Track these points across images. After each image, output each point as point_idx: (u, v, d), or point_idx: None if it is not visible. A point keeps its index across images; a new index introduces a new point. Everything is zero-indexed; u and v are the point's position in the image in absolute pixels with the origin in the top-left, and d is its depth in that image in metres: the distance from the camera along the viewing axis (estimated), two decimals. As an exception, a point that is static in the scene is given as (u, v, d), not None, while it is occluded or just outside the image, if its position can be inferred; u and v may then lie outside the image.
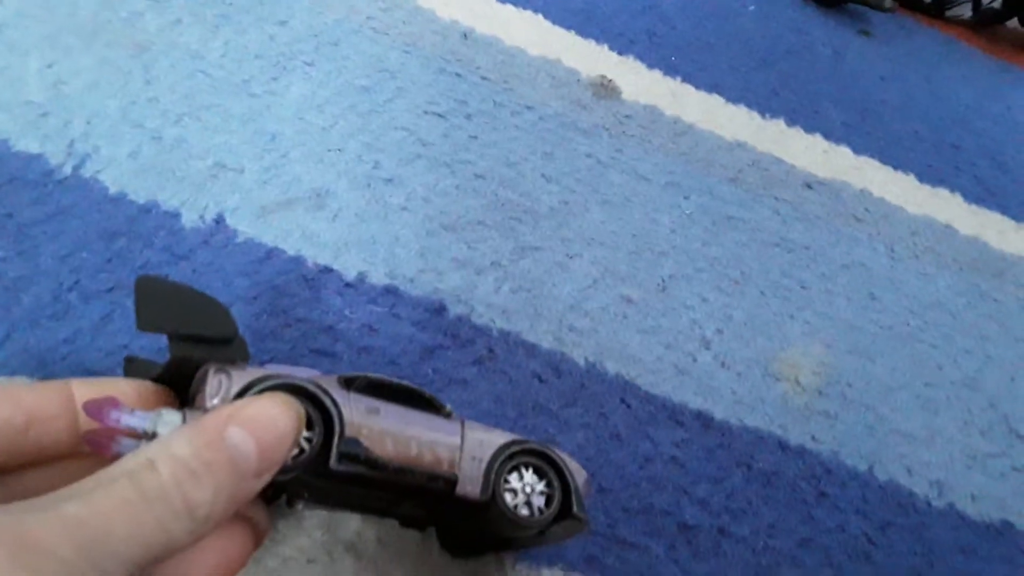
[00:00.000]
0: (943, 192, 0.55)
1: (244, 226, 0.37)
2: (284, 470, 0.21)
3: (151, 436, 0.20)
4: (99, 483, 0.18)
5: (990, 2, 0.70)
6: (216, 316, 0.23)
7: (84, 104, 0.38)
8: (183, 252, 0.36)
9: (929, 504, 0.38)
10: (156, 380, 0.24)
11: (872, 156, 0.55)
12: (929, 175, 0.55)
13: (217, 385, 0.22)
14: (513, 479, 0.25)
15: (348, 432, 0.23)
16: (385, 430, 0.24)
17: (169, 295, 0.23)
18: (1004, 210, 0.55)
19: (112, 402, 0.21)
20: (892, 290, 0.47)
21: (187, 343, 0.23)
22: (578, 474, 0.26)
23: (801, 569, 0.34)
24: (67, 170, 0.36)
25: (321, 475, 0.23)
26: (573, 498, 0.25)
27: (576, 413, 0.36)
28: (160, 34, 0.43)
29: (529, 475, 0.25)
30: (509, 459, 0.25)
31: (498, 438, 0.26)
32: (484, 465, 0.25)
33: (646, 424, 0.36)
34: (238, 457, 0.20)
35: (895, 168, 0.55)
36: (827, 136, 0.55)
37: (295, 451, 0.22)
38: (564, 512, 0.25)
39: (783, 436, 0.38)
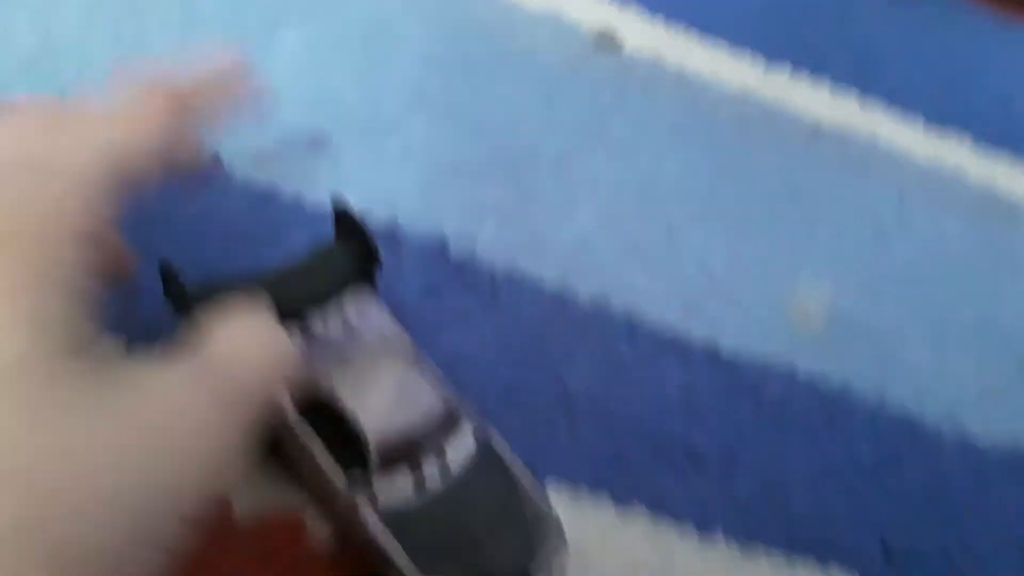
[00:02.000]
0: (951, 137, 0.54)
1: (240, 170, 0.37)
2: None
3: None
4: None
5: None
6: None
7: (74, 52, 0.39)
8: (184, 195, 0.36)
9: (939, 432, 0.37)
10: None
11: (880, 101, 0.54)
12: (937, 119, 0.54)
13: None
14: None
15: None
16: None
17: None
18: (1015, 154, 0.54)
19: None
20: (901, 233, 0.46)
21: None
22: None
23: (813, 495, 0.33)
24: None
25: None
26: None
27: (581, 346, 0.36)
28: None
29: None
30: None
31: None
32: None
33: (653, 357, 0.36)
34: None
35: (903, 113, 0.54)
36: (834, 81, 0.54)
37: None
38: None
39: (791, 368, 0.37)
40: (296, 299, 0.25)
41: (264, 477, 0.29)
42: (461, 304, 0.36)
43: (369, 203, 0.37)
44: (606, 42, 0.51)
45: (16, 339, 0.16)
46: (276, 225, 0.35)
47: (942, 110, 0.55)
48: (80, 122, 0.20)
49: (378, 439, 0.26)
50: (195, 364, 0.19)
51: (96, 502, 0.15)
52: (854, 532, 0.33)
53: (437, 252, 0.37)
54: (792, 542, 0.33)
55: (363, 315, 0.30)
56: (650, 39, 0.52)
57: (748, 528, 0.32)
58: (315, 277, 0.26)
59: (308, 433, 0.27)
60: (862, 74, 0.55)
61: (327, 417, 0.27)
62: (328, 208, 0.29)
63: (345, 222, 0.28)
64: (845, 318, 0.40)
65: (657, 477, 0.33)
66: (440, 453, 0.28)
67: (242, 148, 0.38)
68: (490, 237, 0.38)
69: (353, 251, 0.27)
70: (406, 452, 0.27)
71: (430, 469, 0.27)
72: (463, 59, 0.46)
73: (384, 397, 0.27)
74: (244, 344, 0.21)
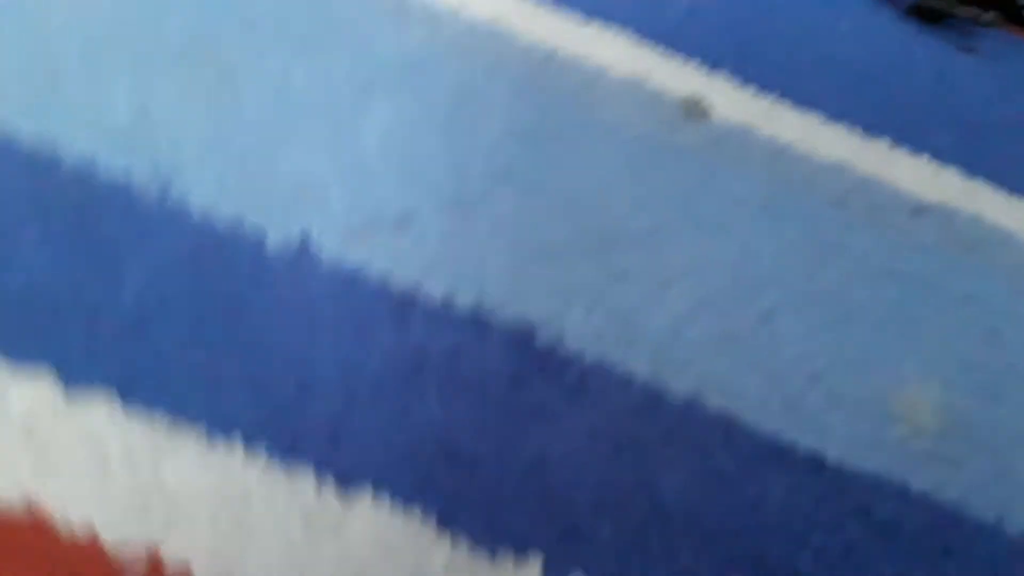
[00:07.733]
0: (1067, 217, 0.50)
1: (328, 249, 0.36)
2: None
3: None
4: None
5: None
6: None
7: (169, 125, 0.39)
8: (267, 279, 0.35)
9: (1073, 565, 0.34)
10: None
11: (985, 179, 0.51)
12: (1050, 199, 0.51)
13: None
14: None
15: None
16: None
17: None
18: None
19: None
20: (1014, 325, 0.43)
21: None
22: None
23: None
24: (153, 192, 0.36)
25: None
26: None
27: (676, 451, 0.33)
28: (245, 58, 0.43)
29: None
30: None
31: None
32: None
33: (752, 464, 0.34)
34: None
35: (1010, 192, 0.51)
36: (935, 157, 0.51)
37: None
38: None
39: (903, 482, 0.34)
40: None
41: None
42: (547, 396, 0.34)
43: (455, 285, 0.36)
44: (693, 109, 0.49)
45: None
46: (357, 312, 0.34)
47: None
48: None
49: None
50: None
51: None
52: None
53: (524, 339, 0.35)
54: None
55: None
56: (740, 108, 0.50)
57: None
58: None
59: None
60: (965, 149, 0.52)
61: None
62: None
63: None
64: (958, 423, 0.37)
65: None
66: None
67: (332, 226, 0.37)
68: (578, 322, 0.37)
69: None
70: None
71: None
72: (548, 129, 0.45)
73: None
74: None
